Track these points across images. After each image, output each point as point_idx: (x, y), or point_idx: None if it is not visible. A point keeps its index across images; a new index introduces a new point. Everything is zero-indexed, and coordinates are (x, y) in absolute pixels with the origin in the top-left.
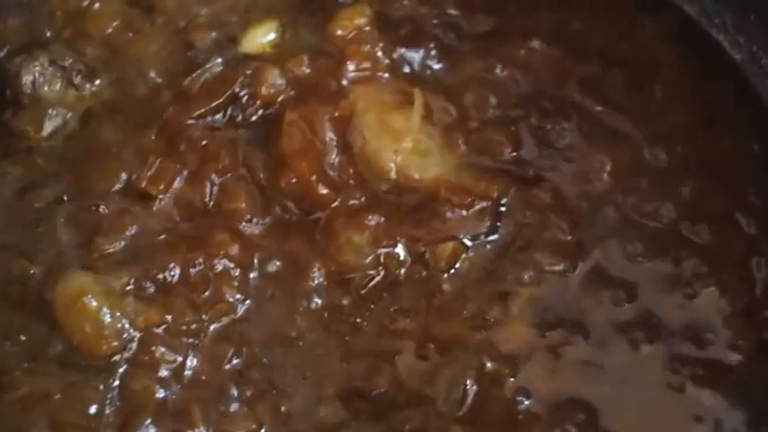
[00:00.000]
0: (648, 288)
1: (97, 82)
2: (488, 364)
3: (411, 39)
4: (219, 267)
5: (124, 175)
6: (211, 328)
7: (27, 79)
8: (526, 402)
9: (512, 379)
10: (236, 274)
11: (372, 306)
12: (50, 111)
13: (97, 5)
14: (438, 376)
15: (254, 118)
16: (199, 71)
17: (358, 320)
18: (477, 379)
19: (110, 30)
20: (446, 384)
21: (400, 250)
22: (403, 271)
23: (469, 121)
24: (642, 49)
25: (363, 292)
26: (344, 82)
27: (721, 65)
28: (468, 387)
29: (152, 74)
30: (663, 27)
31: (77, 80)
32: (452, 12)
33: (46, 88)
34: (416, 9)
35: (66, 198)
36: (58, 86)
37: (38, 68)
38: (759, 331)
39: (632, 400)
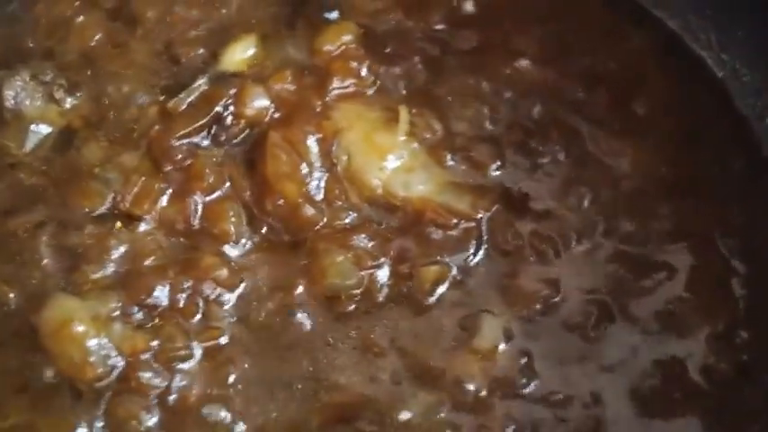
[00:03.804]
0: (628, 311)
1: (78, 97)
2: (468, 390)
3: (397, 54)
4: (207, 291)
5: (108, 196)
6: (199, 352)
7: (8, 94)
8: (511, 428)
9: (492, 407)
10: (224, 297)
11: (356, 327)
12: (32, 127)
13: (80, 18)
14: (415, 402)
15: (238, 138)
16: (184, 92)
17: (341, 343)
18: (453, 406)
19: (92, 43)
20: (422, 413)
21: (384, 272)
22: (387, 293)
23: (455, 139)
24: (626, 64)
25: (346, 313)
26: (329, 99)
27: (704, 81)
28: (445, 414)
29: (135, 90)
30: (647, 42)
31: (59, 95)
32: (439, 27)
33: (27, 103)
34: (402, 24)
35: (49, 220)
36: (39, 102)
37: (19, 83)
38: (738, 354)
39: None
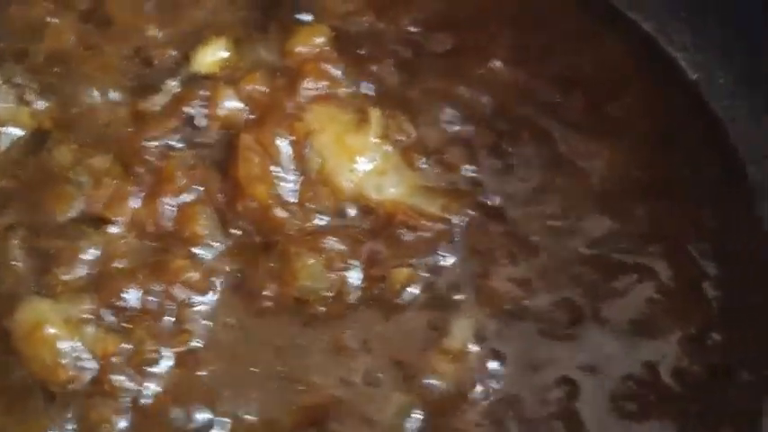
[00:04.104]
0: (600, 314)
1: (49, 100)
2: (440, 392)
3: (370, 56)
4: (179, 294)
5: (80, 199)
6: (171, 355)
7: None
8: (483, 430)
9: (463, 408)
10: (195, 300)
11: (327, 330)
12: (3, 129)
13: (53, 20)
14: (387, 403)
15: (211, 139)
16: (153, 95)
17: (312, 345)
18: (425, 407)
19: (65, 45)
20: (393, 415)
21: (356, 274)
22: (358, 295)
23: (427, 142)
24: (600, 67)
25: (318, 315)
26: (301, 101)
27: (678, 83)
28: (417, 415)
29: (107, 92)
30: (621, 45)
31: (30, 97)
32: (411, 29)
33: None
34: (375, 26)
35: (20, 223)
36: (10, 104)
37: None
38: (711, 357)
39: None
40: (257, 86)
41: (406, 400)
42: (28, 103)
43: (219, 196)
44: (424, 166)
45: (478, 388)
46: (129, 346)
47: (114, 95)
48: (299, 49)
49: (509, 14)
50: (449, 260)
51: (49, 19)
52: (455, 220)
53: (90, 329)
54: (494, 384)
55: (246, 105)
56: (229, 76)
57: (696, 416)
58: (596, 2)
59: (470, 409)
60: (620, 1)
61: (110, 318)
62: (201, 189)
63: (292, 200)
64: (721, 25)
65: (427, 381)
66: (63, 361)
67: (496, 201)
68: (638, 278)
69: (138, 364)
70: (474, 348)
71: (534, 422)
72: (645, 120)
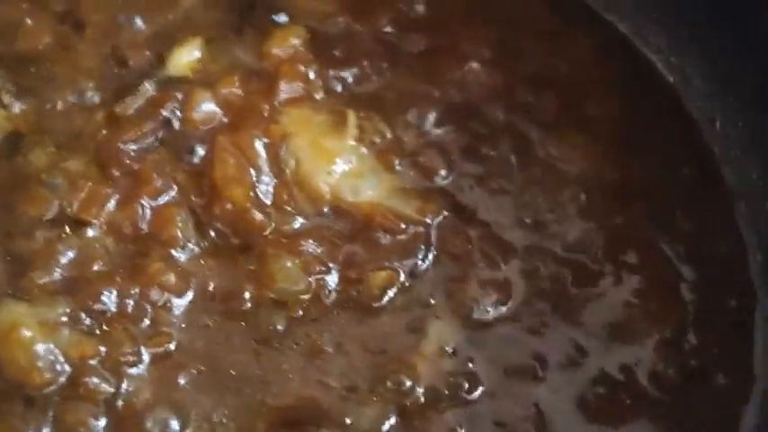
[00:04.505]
0: (575, 317)
1: (25, 101)
2: (415, 395)
3: (345, 58)
4: (155, 296)
5: (55, 202)
6: (147, 358)
7: None
8: None
9: (439, 411)
10: (172, 302)
11: (304, 332)
12: None
13: (28, 22)
14: (362, 410)
15: (187, 142)
16: (130, 96)
17: (289, 348)
18: (401, 410)
19: (40, 47)
20: (369, 419)
21: (333, 277)
22: (335, 298)
23: (404, 143)
24: (575, 68)
25: (295, 318)
26: (277, 103)
27: (654, 85)
28: (393, 418)
29: (83, 94)
30: (596, 45)
31: (7, 99)
32: (387, 30)
33: None
34: (351, 26)
35: None
36: None
37: None
38: (687, 360)
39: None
40: (233, 90)
41: (382, 404)
42: (4, 106)
43: (196, 199)
44: (400, 168)
45: (454, 391)
46: (106, 349)
47: (90, 97)
48: (276, 50)
49: (484, 15)
50: (426, 263)
51: (24, 20)
52: (432, 222)
53: (66, 332)
54: (469, 387)
55: (222, 108)
56: (205, 79)
57: (672, 419)
58: (572, 3)
59: (446, 412)
60: (596, 2)
61: (86, 320)
62: (178, 191)
63: (269, 202)
64: (696, 27)
65: (404, 384)
66: (39, 364)
67: (472, 203)
68: (614, 281)
69: (114, 367)
70: (450, 352)
71: (508, 425)
72: (620, 121)
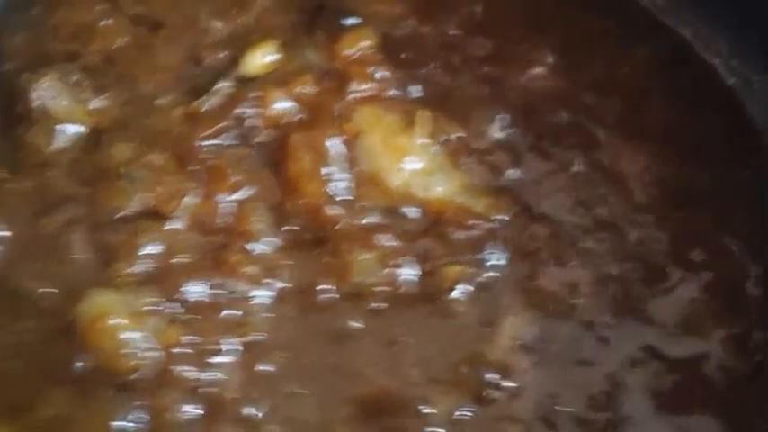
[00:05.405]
0: (644, 313)
1: (105, 98)
2: (489, 386)
3: (414, 59)
4: (237, 287)
5: (136, 195)
6: (231, 347)
7: (35, 95)
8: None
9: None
10: (253, 293)
11: (378, 325)
12: (60, 127)
13: (103, 22)
14: (438, 399)
15: (262, 139)
16: (206, 94)
17: (365, 339)
18: (475, 400)
19: (116, 46)
20: (444, 408)
21: (407, 270)
22: (410, 290)
23: (472, 142)
24: (637, 72)
25: (370, 309)
26: (349, 102)
27: (713, 89)
28: (468, 408)
29: (159, 92)
30: (657, 50)
31: (85, 96)
32: (454, 32)
33: (54, 104)
34: (418, 30)
35: (79, 219)
36: (65, 102)
37: (45, 84)
38: (752, 355)
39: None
40: (306, 88)
41: (456, 394)
42: (83, 102)
43: (271, 194)
44: (469, 166)
45: (526, 383)
46: (191, 338)
47: (168, 95)
48: (346, 52)
49: (544, 22)
50: (497, 259)
51: (102, 22)
52: (501, 219)
53: (153, 320)
54: (541, 380)
55: (296, 107)
56: (278, 78)
57: (737, 413)
58: (633, 9)
59: (519, 403)
60: (657, 8)
61: (172, 309)
62: (254, 187)
63: (342, 198)
64: (758, 31)
65: (477, 375)
66: (126, 351)
67: (540, 201)
68: (681, 278)
69: (200, 355)
70: (522, 345)
71: (580, 417)
72: (682, 124)
